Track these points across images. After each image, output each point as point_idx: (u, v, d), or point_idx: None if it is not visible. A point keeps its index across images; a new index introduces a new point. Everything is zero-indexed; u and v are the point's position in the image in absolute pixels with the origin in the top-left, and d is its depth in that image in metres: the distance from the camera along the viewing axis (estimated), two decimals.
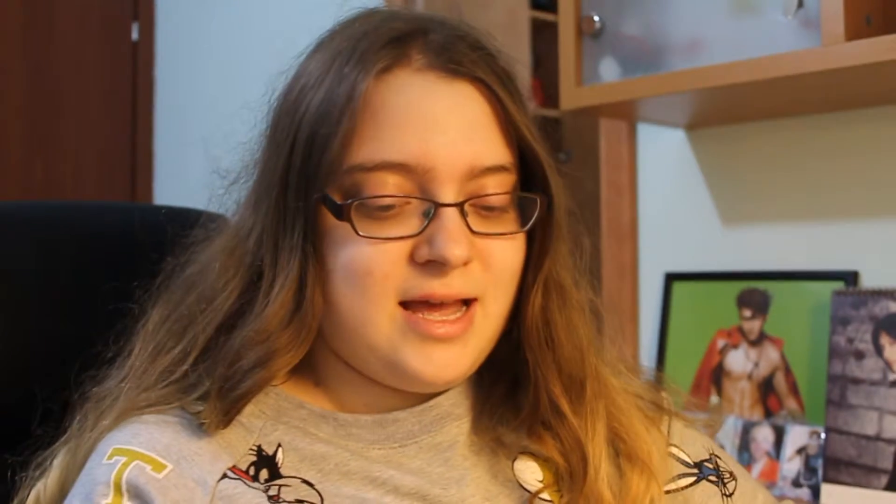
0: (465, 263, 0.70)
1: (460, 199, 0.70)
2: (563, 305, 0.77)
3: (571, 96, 1.30)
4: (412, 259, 0.69)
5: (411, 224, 0.70)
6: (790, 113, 1.39)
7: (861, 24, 1.07)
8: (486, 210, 0.72)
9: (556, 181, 0.75)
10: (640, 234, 1.61)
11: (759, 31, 1.14)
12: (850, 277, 1.33)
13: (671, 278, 1.54)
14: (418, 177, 0.69)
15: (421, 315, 0.70)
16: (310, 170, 0.70)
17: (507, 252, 0.73)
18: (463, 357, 0.72)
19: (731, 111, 1.40)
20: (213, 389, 0.70)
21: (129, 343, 0.77)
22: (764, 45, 1.13)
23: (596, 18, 1.28)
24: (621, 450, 0.78)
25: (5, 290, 0.88)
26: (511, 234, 0.73)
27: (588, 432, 0.76)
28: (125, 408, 0.72)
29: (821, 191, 1.39)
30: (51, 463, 0.74)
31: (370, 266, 0.69)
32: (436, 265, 0.69)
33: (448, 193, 0.70)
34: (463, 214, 0.70)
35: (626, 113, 1.46)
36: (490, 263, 0.72)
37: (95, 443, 0.72)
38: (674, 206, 1.57)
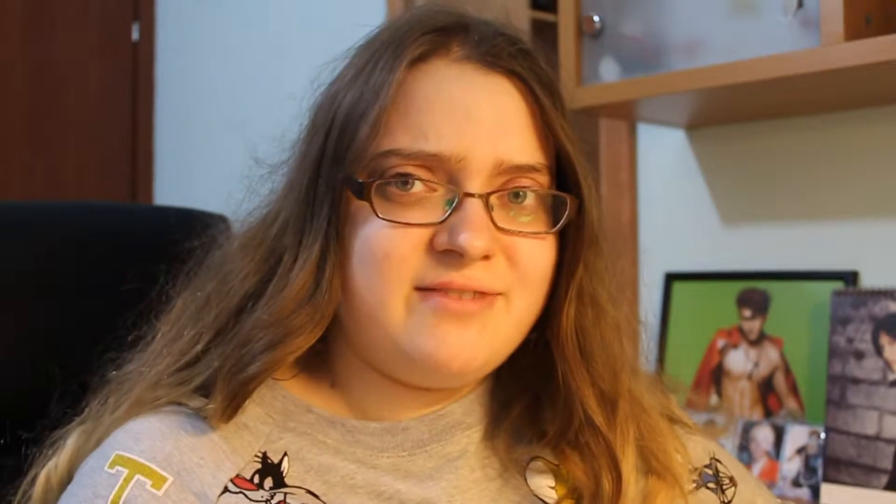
0: (487, 258, 0.68)
1: (486, 191, 0.69)
2: (597, 321, 0.75)
3: (571, 96, 1.29)
4: (431, 246, 0.68)
5: (434, 212, 0.68)
6: (790, 113, 1.39)
7: (860, 24, 1.07)
8: (516, 207, 0.71)
9: (589, 186, 0.74)
10: (640, 234, 1.61)
11: (758, 31, 1.14)
12: (850, 277, 1.33)
13: (671, 278, 1.54)
14: (448, 166, 0.68)
15: (432, 292, 0.69)
16: (339, 154, 0.69)
17: (535, 251, 0.71)
18: (479, 343, 0.70)
19: (731, 111, 1.40)
20: (222, 372, 0.69)
21: (151, 330, 0.77)
22: (764, 45, 1.13)
23: (596, 18, 1.28)
24: (653, 467, 0.77)
25: (9, 289, 0.89)
26: (539, 233, 0.71)
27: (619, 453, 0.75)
28: (138, 398, 0.72)
29: (821, 191, 1.39)
30: (64, 442, 0.74)
31: (387, 249, 0.68)
32: (454, 255, 0.67)
33: (474, 184, 0.68)
34: (488, 207, 0.68)
35: (626, 113, 1.46)
36: (516, 261, 0.70)
37: (107, 432, 0.71)
38: (674, 206, 1.57)
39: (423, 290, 0.68)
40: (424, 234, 0.68)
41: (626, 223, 1.61)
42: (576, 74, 1.30)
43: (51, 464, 0.74)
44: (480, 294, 0.69)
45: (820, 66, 1.08)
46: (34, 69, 2.58)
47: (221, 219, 0.99)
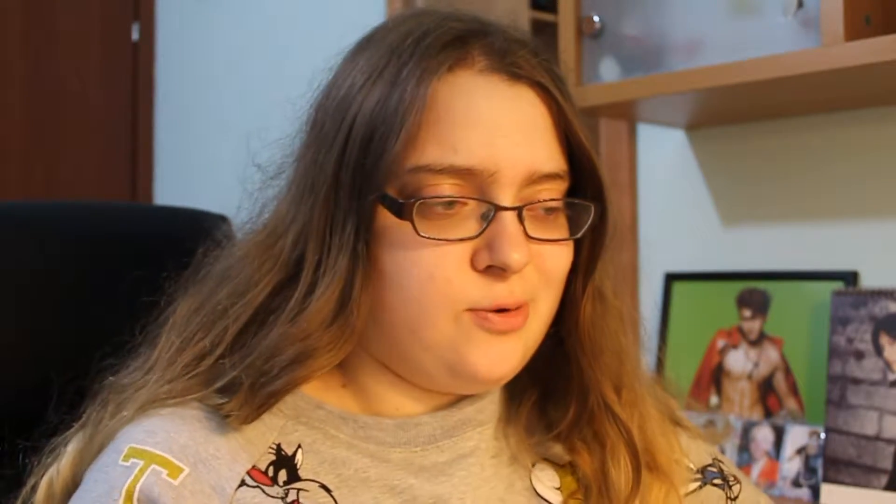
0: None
1: (518, 204, 0.69)
2: (604, 313, 0.77)
3: None
4: (472, 265, 0.69)
5: (469, 226, 0.69)
6: (790, 113, 1.39)
7: (860, 25, 1.07)
8: (541, 214, 0.72)
9: (610, 190, 0.75)
10: (640, 234, 1.61)
11: (758, 31, 1.14)
12: (850, 277, 1.33)
13: (671, 278, 1.54)
14: (480, 180, 0.69)
15: (487, 314, 0.70)
16: (367, 169, 0.68)
17: (560, 257, 0.73)
18: (516, 351, 0.71)
19: (731, 111, 1.40)
20: (247, 383, 0.69)
21: (150, 334, 0.76)
22: (764, 45, 1.13)
23: (596, 18, 1.28)
24: (646, 459, 0.78)
25: (9, 289, 0.89)
26: (564, 240, 0.73)
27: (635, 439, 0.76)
28: (147, 399, 0.72)
29: (821, 191, 1.39)
30: (64, 448, 0.74)
31: (431, 269, 0.68)
32: (496, 270, 0.68)
33: (507, 197, 0.69)
34: (521, 219, 0.69)
35: (626, 113, 1.46)
36: (544, 268, 0.71)
37: (113, 432, 0.71)
38: (674, 206, 1.57)
39: (475, 310, 0.69)
40: (463, 250, 0.69)
41: (627, 223, 1.61)
42: (576, 74, 1.30)
43: (52, 470, 0.73)
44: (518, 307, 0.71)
45: (820, 66, 1.08)
46: (34, 69, 2.58)
47: (222, 219, 0.99)
